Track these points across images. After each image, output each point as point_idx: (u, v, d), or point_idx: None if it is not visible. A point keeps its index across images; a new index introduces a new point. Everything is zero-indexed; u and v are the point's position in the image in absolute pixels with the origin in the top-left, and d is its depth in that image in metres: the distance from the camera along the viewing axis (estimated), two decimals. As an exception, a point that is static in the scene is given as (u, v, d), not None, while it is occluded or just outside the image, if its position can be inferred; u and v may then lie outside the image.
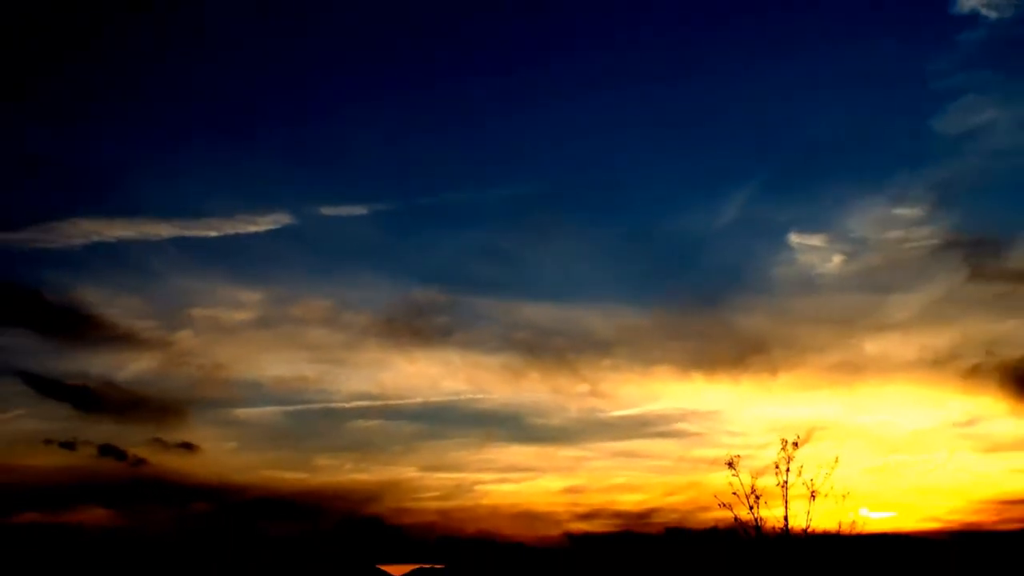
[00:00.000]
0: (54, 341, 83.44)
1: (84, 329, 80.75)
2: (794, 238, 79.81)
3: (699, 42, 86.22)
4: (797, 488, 34.08)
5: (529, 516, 73.24)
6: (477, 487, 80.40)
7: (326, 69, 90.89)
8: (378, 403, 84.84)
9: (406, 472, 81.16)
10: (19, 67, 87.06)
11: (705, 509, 40.88)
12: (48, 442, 72.56)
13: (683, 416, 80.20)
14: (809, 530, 34.15)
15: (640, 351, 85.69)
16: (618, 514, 67.11)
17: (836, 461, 34.11)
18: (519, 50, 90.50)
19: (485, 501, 78.18)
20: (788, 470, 34.06)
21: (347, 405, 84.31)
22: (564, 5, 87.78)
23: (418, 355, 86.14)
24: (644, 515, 63.50)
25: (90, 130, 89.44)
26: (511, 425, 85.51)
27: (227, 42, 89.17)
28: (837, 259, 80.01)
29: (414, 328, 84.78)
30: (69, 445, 71.67)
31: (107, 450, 70.90)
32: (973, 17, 72.60)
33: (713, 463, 40.06)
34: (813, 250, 79.67)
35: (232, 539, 57.95)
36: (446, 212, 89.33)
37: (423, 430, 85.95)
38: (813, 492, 33.88)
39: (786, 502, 34.12)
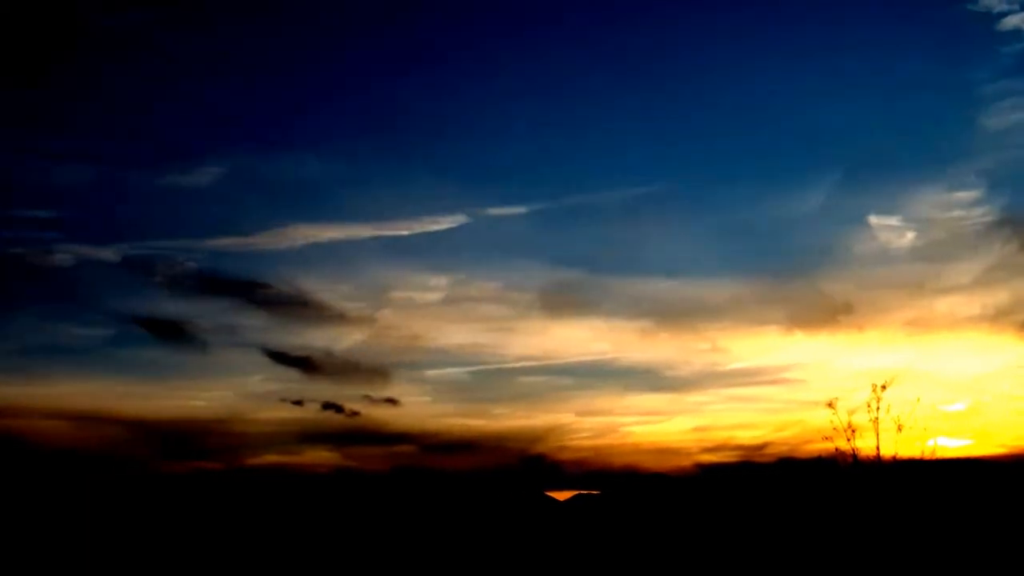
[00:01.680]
0: (285, 321, 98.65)
1: (307, 311, 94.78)
2: (873, 219, 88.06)
3: (791, 58, 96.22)
4: (886, 423, 38.15)
5: (665, 451, 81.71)
6: (622, 428, 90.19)
7: (492, 97, 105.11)
8: (540, 362, 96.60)
9: (564, 417, 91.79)
10: (246, 103, 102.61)
11: (809, 442, 43.98)
12: (282, 400, 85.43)
13: (788, 366, 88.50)
14: (897, 457, 38.41)
15: (749, 315, 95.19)
16: (738, 447, 74.36)
17: (918, 400, 38.31)
18: (642, 76, 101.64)
19: (629, 439, 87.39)
20: (878, 408, 38.25)
21: (515, 365, 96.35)
22: (661, 37, 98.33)
23: (570, 323, 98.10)
24: (759, 447, 70.09)
25: (306, 153, 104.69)
26: (647, 377, 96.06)
27: (410, 75, 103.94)
28: (909, 235, 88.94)
29: (566, 301, 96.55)
30: (298, 402, 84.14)
31: (328, 405, 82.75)
32: (1016, 32, 79.06)
33: (814, 404, 44.56)
34: (889, 228, 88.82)
35: (429, 473, 67.73)
36: (587, 208, 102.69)
37: (576, 383, 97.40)
38: (900, 426, 37.92)
39: (877, 435, 38.35)
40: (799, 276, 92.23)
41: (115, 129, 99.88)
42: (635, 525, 56.85)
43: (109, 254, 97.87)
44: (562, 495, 68.86)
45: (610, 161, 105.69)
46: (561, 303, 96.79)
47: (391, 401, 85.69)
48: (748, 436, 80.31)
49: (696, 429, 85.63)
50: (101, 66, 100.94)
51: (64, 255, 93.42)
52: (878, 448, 38.65)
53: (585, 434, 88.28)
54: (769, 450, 65.52)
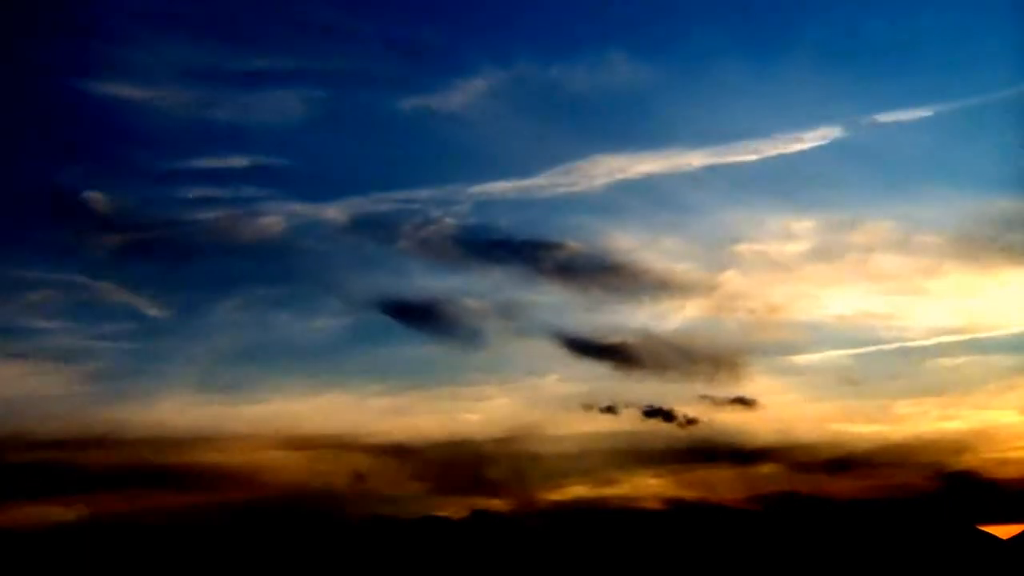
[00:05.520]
0: (585, 295, 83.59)
1: (616, 279, 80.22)
2: None
3: None
4: None
5: None
6: (1095, 428, 70.19)
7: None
8: (964, 337, 76.20)
9: (1004, 416, 72.38)
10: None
11: None
12: (587, 407, 73.27)
13: None
14: None
15: None
16: None
17: None
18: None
19: (1107, 445, 67.87)
20: None
21: (927, 342, 76.70)
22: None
23: (1009, 277, 76.34)
24: None
25: (611, 55, 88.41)
26: None
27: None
28: None
29: (1000, 245, 75.23)
30: (610, 409, 72.36)
31: (652, 412, 70.09)
32: None
33: None
34: None
35: (802, 502, 55.84)
36: (1027, 107, 79.70)
37: (1021, 364, 76.62)
38: None
39: None
40: None
41: (330, 39, 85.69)
42: None
43: (334, 213, 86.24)
44: (1007, 530, 53.61)
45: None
46: (993, 247, 74.86)
47: (743, 402, 70.55)
48: None
49: None
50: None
51: (271, 218, 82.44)
52: None
53: (1036, 439, 68.82)
54: None
